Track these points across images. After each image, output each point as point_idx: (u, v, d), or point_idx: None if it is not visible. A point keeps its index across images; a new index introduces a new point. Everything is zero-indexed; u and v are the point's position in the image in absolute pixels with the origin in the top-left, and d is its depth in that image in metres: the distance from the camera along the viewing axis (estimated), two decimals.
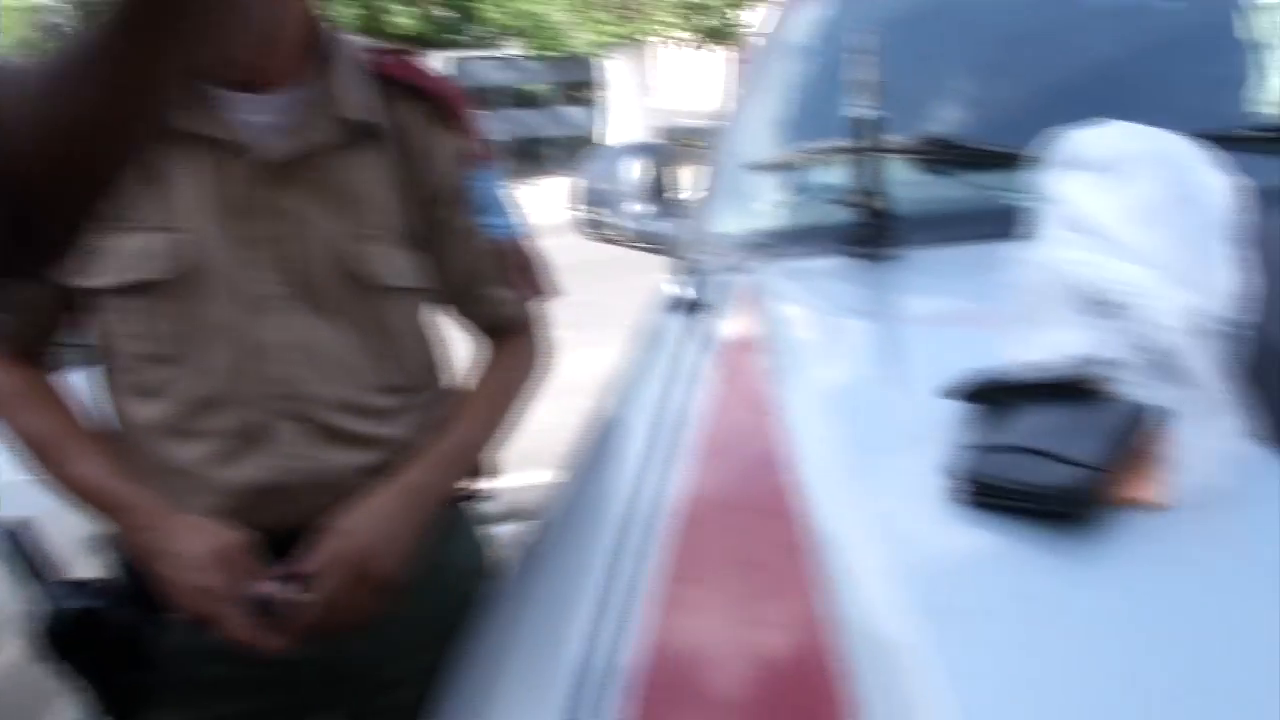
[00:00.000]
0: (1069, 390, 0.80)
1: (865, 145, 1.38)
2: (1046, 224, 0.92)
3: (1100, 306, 0.82)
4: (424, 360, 1.29)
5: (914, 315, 1.24)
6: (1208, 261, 0.82)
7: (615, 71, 16.19)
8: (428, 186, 1.24)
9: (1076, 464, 0.71)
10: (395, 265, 1.21)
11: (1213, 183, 0.89)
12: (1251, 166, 1.42)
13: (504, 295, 1.32)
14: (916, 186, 1.51)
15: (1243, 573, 0.66)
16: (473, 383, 1.31)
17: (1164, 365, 0.78)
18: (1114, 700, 0.58)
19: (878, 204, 1.39)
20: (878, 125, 1.37)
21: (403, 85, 1.24)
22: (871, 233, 1.39)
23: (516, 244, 1.35)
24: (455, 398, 1.29)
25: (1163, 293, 0.79)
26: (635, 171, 2.15)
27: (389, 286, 1.20)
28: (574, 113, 16.81)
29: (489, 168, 1.33)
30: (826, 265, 1.42)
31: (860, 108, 1.38)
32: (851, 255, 1.39)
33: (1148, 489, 0.72)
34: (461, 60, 15.22)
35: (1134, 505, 0.71)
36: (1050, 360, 0.84)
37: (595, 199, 2.18)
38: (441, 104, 1.25)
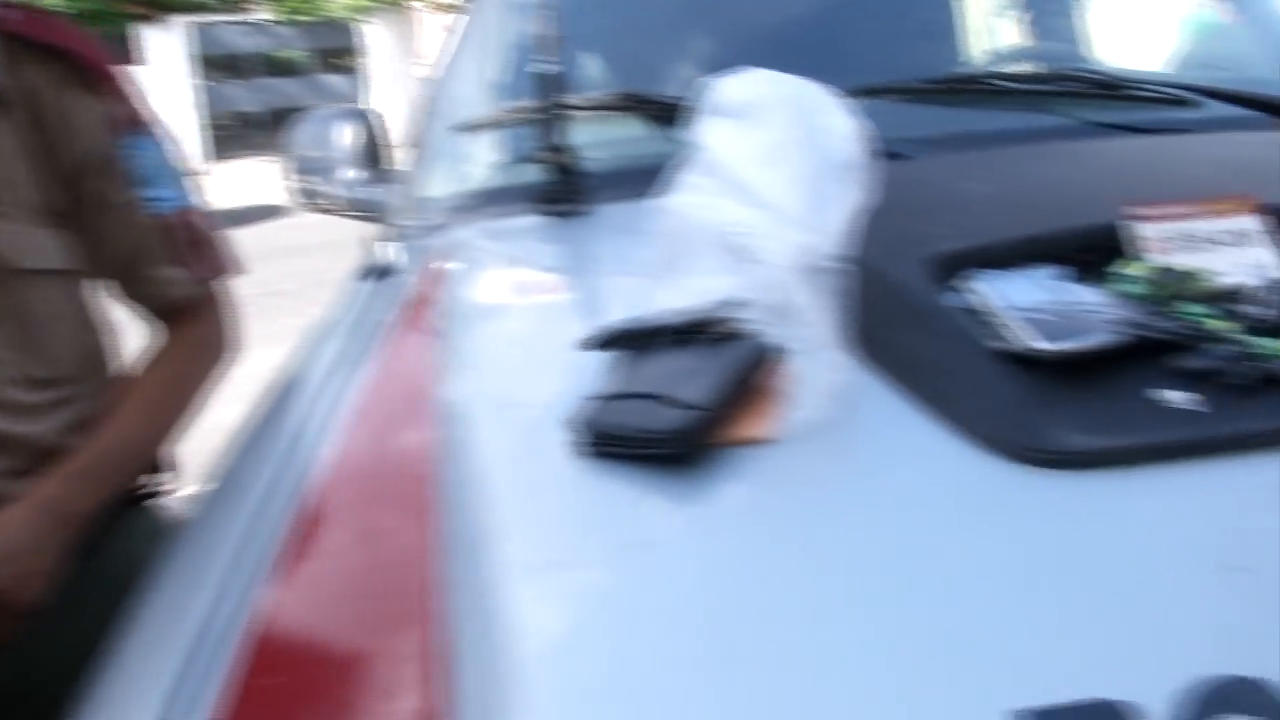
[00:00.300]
0: (698, 334, 0.82)
1: (550, 102, 1.38)
2: (687, 171, 0.93)
3: (729, 250, 0.83)
4: (80, 350, 1.19)
5: (591, 270, 1.25)
6: (822, 202, 0.85)
7: (376, 37, 15.73)
8: (69, 157, 1.14)
9: (687, 406, 0.73)
10: (32, 245, 1.11)
11: (837, 127, 0.92)
12: (917, 116, 1.52)
13: (172, 275, 1.22)
14: (610, 142, 1.52)
15: (838, 498, 0.69)
16: (139, 373, 1.23)
17: (780, 304, 0.80)
18: (700, 637, 0.59)
19: (566, 161, 1.39)
20: (559, 81, 1.36)
21: (34, 44, 1.13)
22: (561, 190, 1.39)
23: (187, 218, 1.25)
24: (117, 391, 1.21)
25: (777, 233, 0.81)
26: (347, 137, 2.08)
27: (25, 269, 1.10)
28: (334, 81, 16.22)
29: (149, 135, 1.24)
30: (520, 225, 1.41)
31: (543, 64, 1.38)
32: (544, 213, 1.39)
33: (757, 426, 0.74)
34: (204, 25, 14.43)
35: (744, 443, 0.73)
36: (690, 305, 0.86)
37: (306, 167, 2.10)
38: (81, 65, 1.16)
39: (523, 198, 1.43)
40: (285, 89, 15.57)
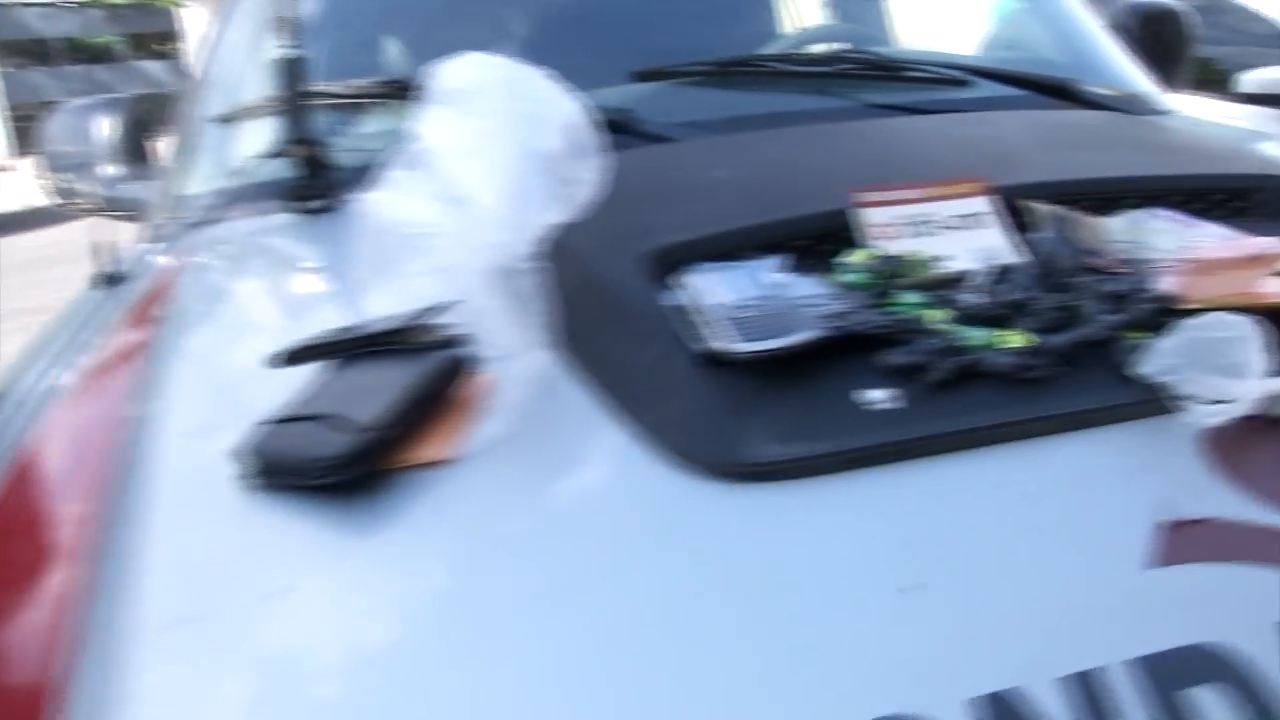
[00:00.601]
0: (392, 344, 0.76)
1: (293, 91, 1.30)
2: (394, 164, 0.87)
3: (415, 252, 0.78)
4: None
5: (324, 274, 1.18)
6: (525, 196, 0.80)
7: (194, 21, 15.08)
8: None
9: (359, 429, 0.67)
10: None
11: (555, 114, 0.87)
12: (694, 99, 1.49)
13: None
14: (376, 133, 1.45)
15: (515, 525, 0.64)
16: None
17: (479, 309, 0.75)
18: (340, 695, 0.54)
19: (313, 154, 1.31)
20: (302, 68, 1.29)
21: None
22: (310, 186, 1.31)
23: None
24: None
25: (468, 234, 0.76)
26: (105, 129, 1.95)
27: None
28: (153, 67, 15.47)
29: None
30: (265, 225, 1.32)
31: (284, 49, 1.30)
32: (295, 211, 1.31)
33: (439, 446, 0.69)
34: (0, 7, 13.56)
35: (424, 465, 0.68)
36: (391, 313, 0.80)
37: (61, 163, 1.96)
38: None
39: (274, 194, 1.35)
40: (98, 76, 14.74)
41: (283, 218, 1.31)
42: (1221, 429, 0.65)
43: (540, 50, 1.45)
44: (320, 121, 1.39)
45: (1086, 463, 0.64)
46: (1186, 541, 0.57)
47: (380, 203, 0.82)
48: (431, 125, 0.89)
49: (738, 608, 0.56)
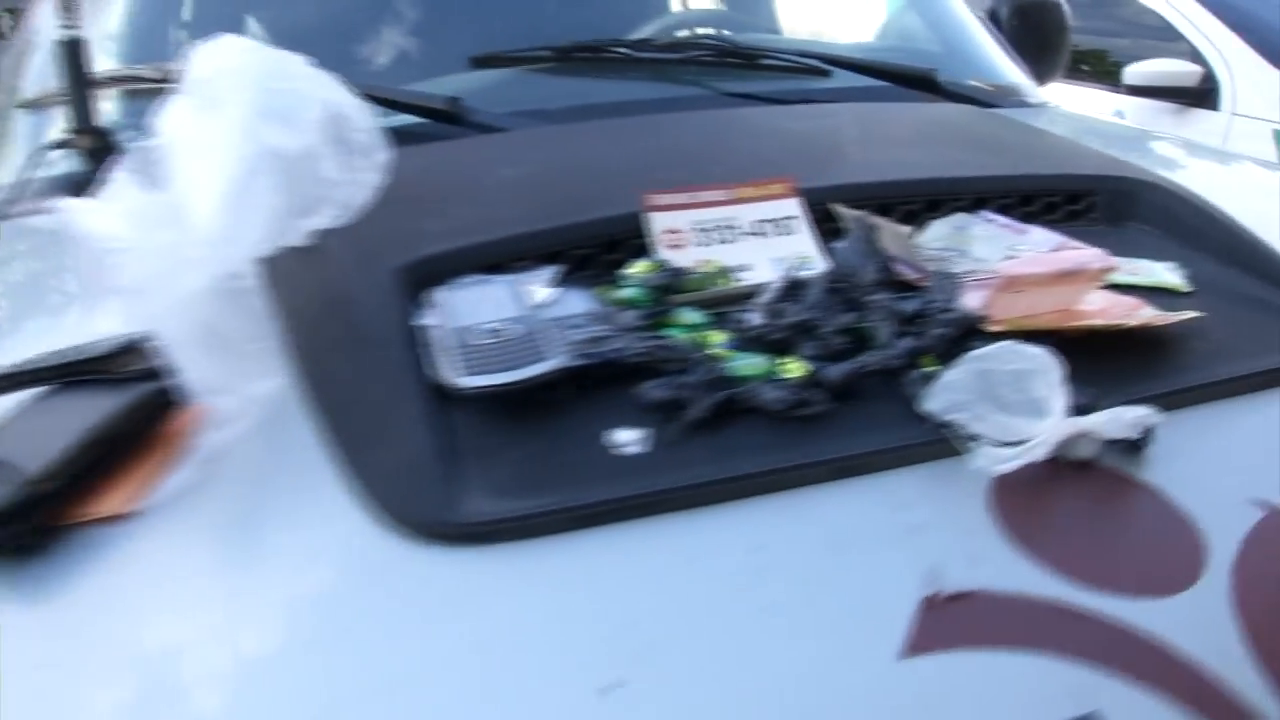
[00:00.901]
0: (91, 373, 0.66)
1: (75, 76, 1.19)
2: (119, 165, 0.77)
3: (120, 268, 0.68)
4: None
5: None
6: (256, 203, 0.70)
7: None
8: None
9: (23, 480, 0.57)
10: None
11: (307, 109, 0.78)
12: (541, 87, 1.40)
13: None
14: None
15: (187, 595, 0.54)
16: None
17: (182, 334, 0.65)
18: None
19: (98, 145, 1.20)
20: (83, 50, 1.17)
21: None
22: (96, 179, 1.20)
23: None
24: None
25: (180, 247, 0.66)
26: None
27: None
28: None
29: None
30: (50, 223, 1.21)
31: (65, 29, 1.18)
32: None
33: (118, 498, 0.59)
34: None
35: (98, 520, 0.58)
36: (93, 339, 0.70)
37: None
38: None
39: (64, 189, 1.24)
40: None
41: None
42: (1011, 476, 0.57)
43: (383, 34, 1.33)
44: (121, 110, 1.29)
45: (850, 519, 0.56)
46: (951, 622, 0.50)
47: (80, 212, 0.71)
48: (171, 119, 0.79)
49: (403, 712, 0.47)
